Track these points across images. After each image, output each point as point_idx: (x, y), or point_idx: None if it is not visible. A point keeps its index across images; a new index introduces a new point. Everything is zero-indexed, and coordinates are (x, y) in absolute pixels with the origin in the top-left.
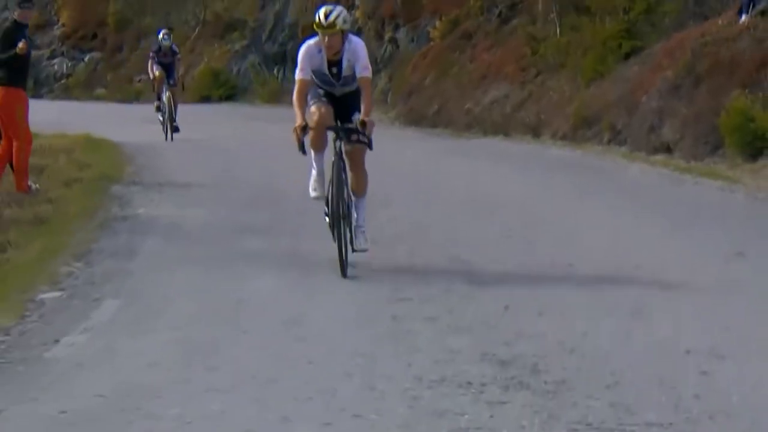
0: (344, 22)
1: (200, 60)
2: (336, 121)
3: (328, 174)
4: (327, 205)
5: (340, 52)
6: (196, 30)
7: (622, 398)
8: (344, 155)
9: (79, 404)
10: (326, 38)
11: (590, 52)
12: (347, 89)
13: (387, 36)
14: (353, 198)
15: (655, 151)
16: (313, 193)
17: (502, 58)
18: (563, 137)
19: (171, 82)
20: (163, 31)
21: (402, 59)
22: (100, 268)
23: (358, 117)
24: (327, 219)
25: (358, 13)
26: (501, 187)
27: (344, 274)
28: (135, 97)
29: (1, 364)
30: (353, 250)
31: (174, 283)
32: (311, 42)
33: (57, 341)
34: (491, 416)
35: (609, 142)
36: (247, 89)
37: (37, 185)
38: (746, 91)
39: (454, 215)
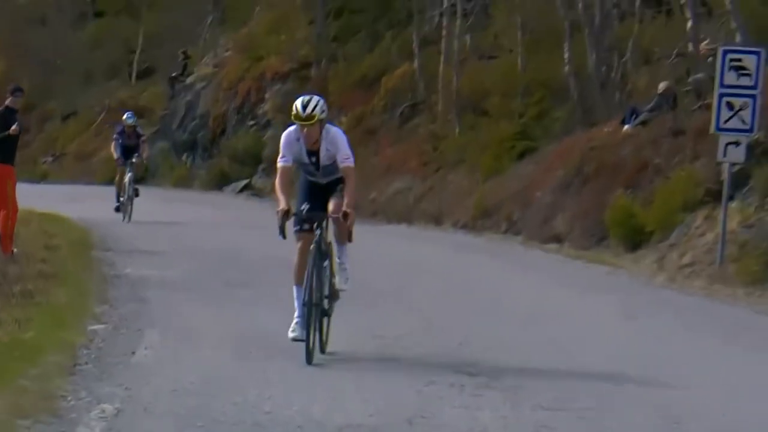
0: (322, 112)
1: (106, 145)
2: (318, 212)
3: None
4: (304, 303)
5: (318, 142)
6: (102, 115)
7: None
8: (324, 240)
9: (180, 386)
10: (305, 129)
11: (488, 151)
12: (332, 177)
13: None
14: (338, 245)
15: (548, 240)
16: (291, 334)
17: (405, 153)
18: (464, 226)
19: (134, 160)
20: (128, 113)
21: None
22: (125, 309)
23: (338, 191)
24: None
25: (268, 107)
26: (427, 260)
27: (309, 361)
28: (42, 178)
29: (103, 365)
30: (322, 351)
31: (191, 316)
32: (291, 130)
33: (133, 353)
34: None
35: (506, 231)
36: (156, 173)
37: (16, 249)
38: (628, 191)
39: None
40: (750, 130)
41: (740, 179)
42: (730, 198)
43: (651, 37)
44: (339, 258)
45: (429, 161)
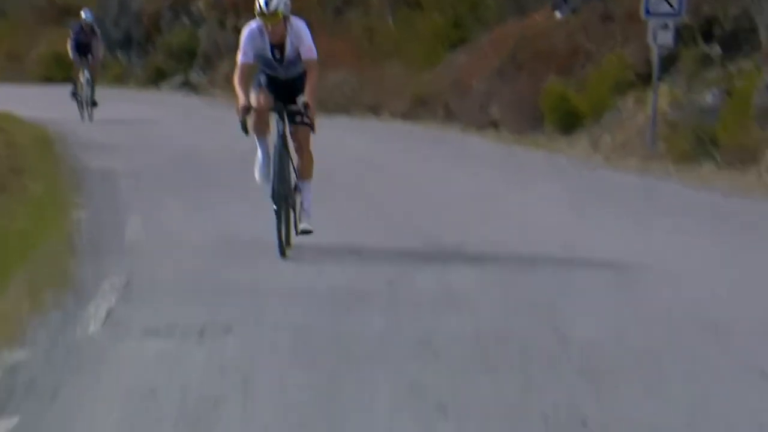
0: (285, 7)
1: (37, 43)
2: (279, 104)
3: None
4: (272, 197)
5: (284, 36)
6: (33, 14)
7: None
8: (289, 137)
9: (179, 262)
10: (269, 26)
11: (422, 42)
12: (292, 73)
13: (230, 25)
14: (299, 181)
15: (484, 127)
16: (258, 177)
17: (340, 47)
18: (402, 115)
19: (90, 60)
20: (86, 11)
21: None
22: (101, 198)
23: (303, 100)
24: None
25: (201, 3)
26: (370, 152)
27: (282, 253)
28: None
29: (99, 247)
30: (296, 233)
31: (167, 204)
32: (254, 26)
33: (123, 236)
34: None
35: (443, 119)
36: None
37: None
38: (561, 77)
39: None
40: (678, 14)
41: (668, 62)
42: (659, 80)
43: None
44: (303, 203)
45: (364, 54)
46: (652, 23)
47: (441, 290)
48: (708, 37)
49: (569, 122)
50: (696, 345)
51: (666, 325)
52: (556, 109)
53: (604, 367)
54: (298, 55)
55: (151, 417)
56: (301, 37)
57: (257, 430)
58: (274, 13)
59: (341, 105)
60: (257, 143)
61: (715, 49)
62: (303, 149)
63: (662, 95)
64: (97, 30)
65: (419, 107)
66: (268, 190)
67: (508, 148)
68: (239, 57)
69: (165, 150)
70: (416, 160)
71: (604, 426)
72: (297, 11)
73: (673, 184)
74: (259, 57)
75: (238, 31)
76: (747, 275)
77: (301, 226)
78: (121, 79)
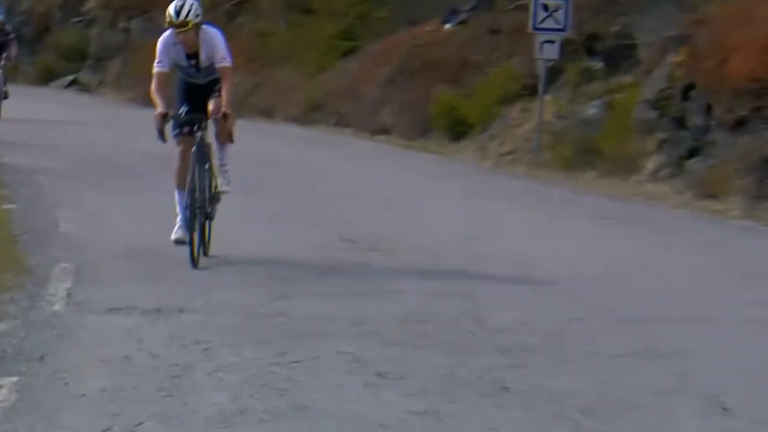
0: (196, 15)
1: None
2: (198, 113)
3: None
4: (187, 206)
5: (196, 45)
6: None
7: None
8: (204, 142)
9: (116, 250)
10: (181, 35)
11: (314, 48)
12: (210, 77)
13: (120, 25)
14: (219, 143)
15: (376, 132)
16: (174, 236)
17: (232, 50)
18: (295, 119)
19: (2, 60)
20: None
21: (135, 47)
22: (25, 191)
23: (216, 93)
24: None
25: (92, 3)
26: (280, 153)
27: (195, 265)
28: None
29: (38, 236)
30: (205, 254)
31: (88, 198)
32: (167, 35)
33: (57, 226)
34: None
35: (336, 124)
36: None
37: None
38: (450, 86)
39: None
40: (563, 30)
41: (554, 75)
42: (545, 92)
43: None
44: (220, 160)
45: (256, 58)
46: (539, 37)
47: (366, 278)
48: (591, 52)
49: (458, 130)
50: (593, 327)
51: (566, 309)
52: (446, 117)
53: (517, 345)
54: (211, 64)
55: (132, 378)
56: (214, 44)
57: (225, 390)
58: (184, 23)
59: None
60: (177, 198)
61: (598, 64)
62: (224, 133)
63: (547, 106)
64: (10, 29)
65: (312, 112)
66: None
67: (401, 152)
68: (155, 66)
69: (75, 148)
70: (320, 162)
71: (523, 392)
72: None
73: (560, 189)
74: (178, 66)
75: (128, 32)
76: (646, 269)
77: (220, 185)
78: (10, 76)
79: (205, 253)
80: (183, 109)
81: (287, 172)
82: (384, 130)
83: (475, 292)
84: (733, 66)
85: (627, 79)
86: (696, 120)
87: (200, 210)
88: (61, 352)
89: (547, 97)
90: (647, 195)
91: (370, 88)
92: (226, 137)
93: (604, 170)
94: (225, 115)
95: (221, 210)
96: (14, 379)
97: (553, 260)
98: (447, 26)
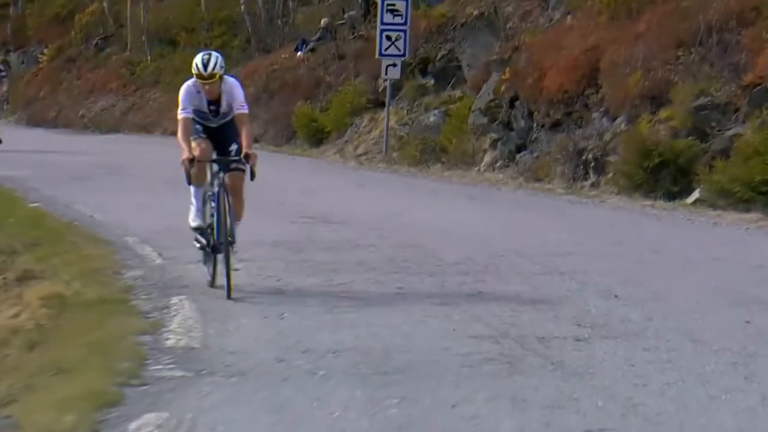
0: (221, 68)
1: None
2: (220, 157)
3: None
4: (203, 235)
5: (219, 93)
6: None
7: None
8: (225, 184)
9: (153, 229)
10: (206, 86)
11: (180, 74)
12: (223, 121)
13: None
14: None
15: None
16: (193, 224)
17: (105, 77)
18: (172, 133)
19: None
20: None
21: (15, 77)
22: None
23: (235, 147)
24: (197, 244)
25: None
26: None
27: (229, 295)
28: None
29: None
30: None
31: (85, 197)
32: (190, 83)
33: (92, 216)
34: None
35: None
36: None
37: None
38: (307, 101)
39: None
40: (403, 55)
41: (395, 90)
42: (390, 104)
43: None
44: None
45: (128, 83)
46: (384, 62)
47: (343, 239)
48: (424, 72)
49: (317, 136)
50: (512, 260)
51: (487, 251)
52: (306, 127)
53: (472, 270)
54: (231, 109)
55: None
56: (234, 94)
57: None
58: (212, 75)
59: (112, 125)
60: (193, 192)
61: (430, 81)
62: (237, 195)
63: (392, 115)
64: (3, 68)
65: None
66: (202, 235)
67: (276, 155)
68: (179, 113)
69: (31, 163)
70: None
71: (489, 293)
72: (62, 48)
73: (420, 179)
74: (195, 110)
75: (7, 63)
76: (508, 227)
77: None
78: None
79: (229, 295)
80: (200, 128)
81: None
82: (254, 139)
83: (423, 244)
84: (548, 81)
85: (456, 93)
86: (521, 123)
87: (230, 245)
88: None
89: (392, 109)
90: (490, 181)
91: None
92: (240, 215)
93: (449, 164)
94: (248, 156)
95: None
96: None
97: (457, 226)
98: (299, 53)
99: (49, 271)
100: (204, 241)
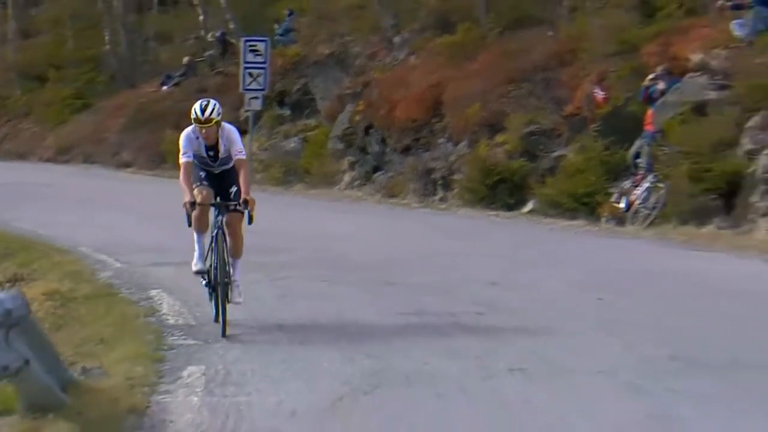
0: (218, 114)
1: None
2: (216, 198)
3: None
4: (206, 276)
5: (216, 139)
6: None
7: None
8: (224, 226)
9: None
10: (203, 130)
11: (51, 107)
12: (224, 167)
13: None
14: (231, 259)
15: (120, 166)
16: (195, 268)
17: None
18: (48, 160)
19: None
20: None
21: None
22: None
23: (235, 189)
24: (203, 281)
25: None
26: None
27: (224, 333)
28: None
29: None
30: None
31: (51, 214)
32: (189, 129)
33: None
34: None
35: (85, 161)
36: None
37: None
38: (175, 131)
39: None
40: (263, 89)
41: (256, 120)
42: (252, 132)
43: (170, 23)
44: (233, 276)
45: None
46: (248, 95)
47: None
48: (281, 103)
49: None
50: (409, 258)
51: (391, 252)
52: (174, 153)
53: (383, 266)
54: (229, 155)
55: None
56: (233, 140)
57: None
58: (209, 120)
59: None
60: (196, 238)
61: (287, 112)
62: (236, 234)
63: (254, 142)
64: None
65: (62, 154)
66: (203, 278)
67: (153, 178)
68: (181, 157)
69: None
70: (113, 187)
71: (402, 283)
72: None
73: (289, 197)
74: (196, 156)
75: None
76: (393, 233)
77: (232, 298)
78: None
79: (224, 333)
80: (203, 174)
81: (105, 196)
82: (126, 165)
83: (333, 248)
84: (398, 112)
85: (311, 122)
86: (375, 148)
87: (225, 283)
88: (148, 280)
89: (255, 136)
90: (351, 197)
91: (109, 134)
92: (238, 252)
93: (313, 183)
94: (246, 201)
95: None
96: (159, 289)
97: (349, 231)
98: (164, 88)
99: (35, 274)
100: (206, 281)
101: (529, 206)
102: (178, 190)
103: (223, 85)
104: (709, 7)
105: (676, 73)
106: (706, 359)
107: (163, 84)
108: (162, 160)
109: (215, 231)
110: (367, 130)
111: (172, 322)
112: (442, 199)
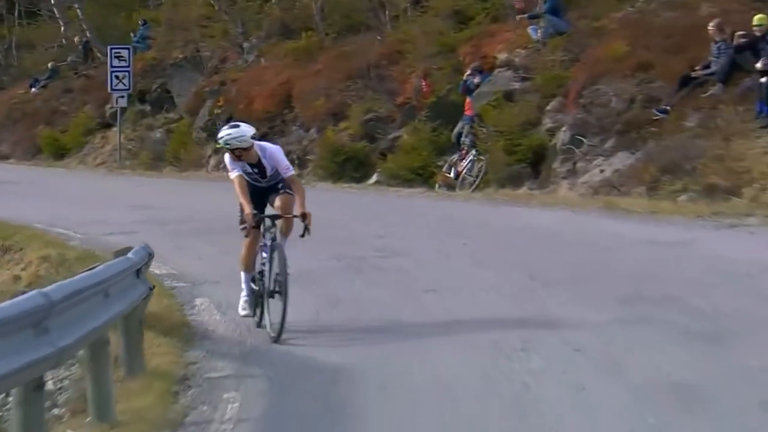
0: (240, 141)
1: None
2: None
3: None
4: (255, 282)
5: (255, 157)
6: None
7: None
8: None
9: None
10: (237, 152)
11: None
12: (272, 182)
13: None
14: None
15: (1, 159)
16: (242, 312)
17: None
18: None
19: None
20: None
21: None
22: None
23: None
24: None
25: None
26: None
27: (276, 339)
28: None
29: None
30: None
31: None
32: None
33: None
34: None
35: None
36: None
37: None
38: (48, 126)
39: None
40: (128, 89)
41: (121, 115)
42: (120, 125)
43: (33, 33)
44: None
45: None
46: (115, 94)
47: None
48: (142, 100)
49: (60, 152)
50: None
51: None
52: (50, 145)
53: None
54: (277, 172)
55: None
56: (277, 159)
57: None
58: (232, 150)
59: None
60: (243, 278)
61: (147, 108)
62: (288, 210)
63: (122, 134)
64: None
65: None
66: (253, 321)
67: (33, 167)
68: (231, 174)
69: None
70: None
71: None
72: None
73: (163, 179)
74: (243, 171)
75: None
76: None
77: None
78: None
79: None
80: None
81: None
82: (5, 157)
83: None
84: (256, 105)
85: (172, 116)
86: None
87: (284, 294)
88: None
89: (120, 129)
90: (219, 178)
91: None
92: (288, 231)
93: (182, 167)
94: (304, 214)
95: None
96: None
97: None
98: (33, 89)
99: (20, 245)
100: (254, 292)
101: (374, 179)
102: (77, 177)
103: (87, 86)
104: (510, 15)
105: (487, 69)
106: (555, 276)
107: (32, 86)
108: (38, 151)
109: (269, 242)
110: (228, 121)
111: (158, 272)
112: (299, 176)
